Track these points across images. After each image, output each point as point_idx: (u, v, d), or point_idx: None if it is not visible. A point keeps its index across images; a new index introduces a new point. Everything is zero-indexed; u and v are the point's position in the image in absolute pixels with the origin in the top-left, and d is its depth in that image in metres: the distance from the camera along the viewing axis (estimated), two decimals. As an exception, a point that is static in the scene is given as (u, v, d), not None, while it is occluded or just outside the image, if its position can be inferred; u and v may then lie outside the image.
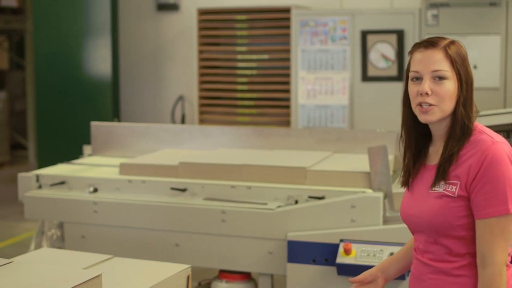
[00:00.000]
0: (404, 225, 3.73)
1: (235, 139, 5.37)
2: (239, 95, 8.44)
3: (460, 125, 2.50)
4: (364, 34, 7.54)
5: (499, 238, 2.41)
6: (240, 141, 5.36)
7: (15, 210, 8.77)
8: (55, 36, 8.95)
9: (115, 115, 8.85)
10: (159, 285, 2.86)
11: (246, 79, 8.40)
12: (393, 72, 7.50)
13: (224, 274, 4.67)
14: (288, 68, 8.06)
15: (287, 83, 8.10)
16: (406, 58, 7.39)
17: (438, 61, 2.50)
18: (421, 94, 2.49)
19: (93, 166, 5.30)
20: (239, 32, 8.41)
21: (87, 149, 5.97)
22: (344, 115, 7.68)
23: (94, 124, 5.79)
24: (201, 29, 8.51)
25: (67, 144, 8.69)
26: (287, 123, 8.09)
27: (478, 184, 2.42)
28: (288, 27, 8.01)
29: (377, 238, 3.97)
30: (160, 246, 4.53)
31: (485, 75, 7.24)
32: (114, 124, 5.96)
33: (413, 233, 2.69)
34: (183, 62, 9.14)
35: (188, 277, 3.05)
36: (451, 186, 2.48)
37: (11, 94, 13.18)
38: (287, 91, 8.10)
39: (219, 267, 4.56)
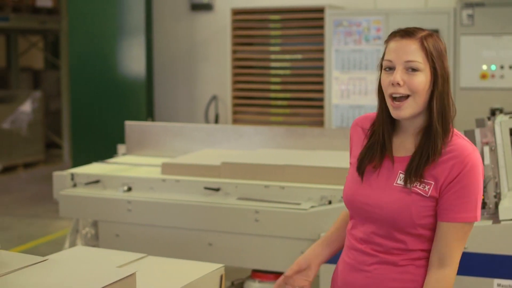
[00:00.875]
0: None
1: (268, 139, 5.37)
2: (272, 95, 8.44)
3: (440, 122, 2.41)
4: (399, 34, 7.50)
5: (460, 242, 2.42)
6: (273, 141, 5.35)
7: (50, 208, 8.85)
8: (90, 36, 9.01)
9: (149, 114, 8.88)
10: (193, 284, 2.86)
11: (280, 79, 8.39)
12: (428, 72, 7.45)
13: (257, 274, 4.67)
14: (321, 68, 8.04)
15: (321, 83, 8.08)
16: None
17: (412, 51, 2.39)
18: (392, 84, 2.40)
19: (127, 165, 5.33)
20: (272, 32, 8.40)
21: (121, 148, 6.00)
22: (377, 116, 7.63)
23: (128, 123, 5.82)
24: (235, 29, 8.51)
25: (101, 143, 8.73)
26: (320, 123, 8.07)
27: (453, 188, 2.38)
28: (321, 27, 7.99)
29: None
30: (193, 245, 4.54)
31: (521, 75, 7.18)
32: (148, 123, 5.99)
33: (357, 220, 2.57)
34: (217, 62, 9.15)
35: (221, 277, 3.05)
36: (424, 185, 2.41)
37: (46, 94, 13.28)
38: (321, 91, 8.08)
39: (252, 266, 4.56)
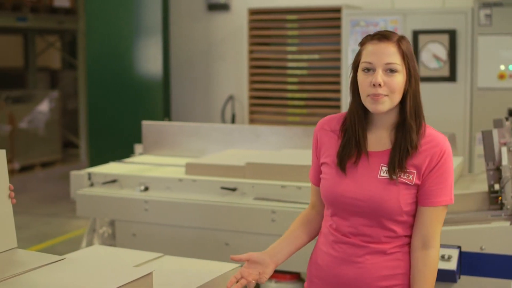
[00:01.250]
0: (453, 228, 3.71)
1: (285, 139, 5.37)
2: (289, 95, 8.43)
3: (413, 118, 2.58)
4: (416, 34, 7.48)
5: (440, 223, 2.61)
6: (290, 141, 5.35)
7: (67, 208, 8.87)
8: (107, 36, 9.04)
9: (165, 114, 8.90)
10: (209, 284, 2.86)
11: (296, 79, 8.38)
12: (445, 72, 7.42)
13: (274, 274, 4.65)
14: (338, 68, 8.03)
15: (338, 83, 8.07)
16: (459, 59, 7.35)
17: (391, 54, 2.54)
18: (373, 85, 2.53)
19: (144, 165, 5.34)
20: (289, 32, 8.40)
21: (138, 148, 6.01)
22: (394, 116, 7.61)
23: (145, 123, 5.83)
24: (251, 29, 8.51)
25: (118, 143, 8.76)
26: (337, 123, 8.04)
27: (434, 175, 2.55)
28: (338, 27, 7.98)
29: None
30: (210, 245, 4.55)
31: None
32: (165, 123, 6.00)
33: (341, 215, 2.65)
34: (234, 62, 9.15)
35: (238, 277, 3.05)
36: (407, 174, 2.55)
37: (63, 93, 13.33)
38: (338, 91, 8.07)
39: (268, 267, 4.55)
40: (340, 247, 2.66)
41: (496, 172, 3.91)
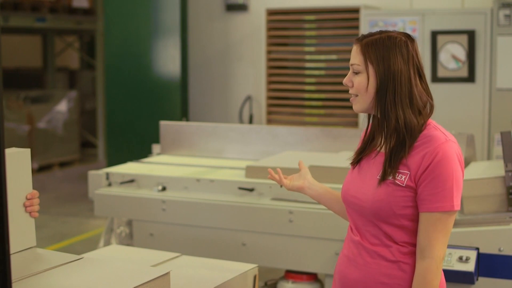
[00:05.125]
0: (471, 229, 3.70)
1: (303, 139, 5.36)
2: (307, 95, 8.42)
3: (385, 118, 2.54)
4: (434, 35, 7.45)
5: (440, 233, 2.45)
6: (308, 141, 5.34)
7: (85, 207, 8.91)
8: (125, 37, 9.06)
9: (183, 114, 8.91)
10: (226, 284, 2.86)
11: (314, 79, 8.37)
12: (464, 73, 7.39)
13: (291, 274, 4.66)
14: (356, 68, 8.01)
15: (355, 83, 8.04)
16: (478, 59, 7.31)
17: (354, 55, 2.58)
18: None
19: (162, 165, 5.35)
20: (307, 33, 8.39)
21: (156, 148, 6.03)
22: (413, 116, 7.59)
23: (163, 123, 5.84)
24: (269, 29, 8.51)
25: (136, 143, 8.79)
26: (355, 124, 8.05)
27: (427, 178, 2.45)
28: (357, 27, 7.97)
29: (446, 241, 3.91)
30: (227, 245, 4.55)
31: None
32: (183, 123, 6.01)
33: (350, 214, 2.70)
34: (252, 62, 9.16)
35: (255, 277, 3.06)
36: (400, 175, 2.50)
37: (81, 93, 13.39)
38: (355, 91, 8.04)
39: (285, 267, 4.55)
40: (349, 246, 2.68)
41: (515, 173, 3.90)
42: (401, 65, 2.53)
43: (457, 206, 2.45)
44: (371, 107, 2.58)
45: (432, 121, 2.58)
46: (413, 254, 2.52)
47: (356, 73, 2.57)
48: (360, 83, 2.55)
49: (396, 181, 2.50)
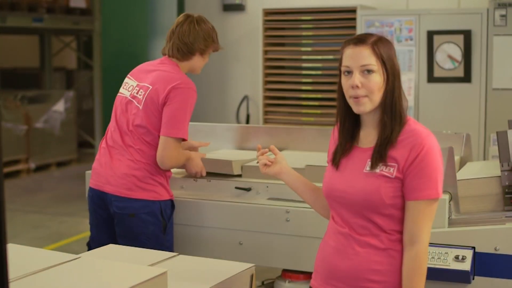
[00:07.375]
0: (467, 228, 3.71)
1: (300, 139, 5.36)
2: (303, 95, 8.44)
3: (391, 113, 2.70)
4: (431, 35, 7.47)
5: (427, 219, 2.65)
6: (304, 141, 5.34)
7: (82, 207, 8.87)
8: (122, 37, 9.07)
9: (180, 114, 8.90)
10: (223, 284, 2.87)
11: (311, 79, 8.39)
12: (460, 73, 7.40)
13: (287, 273, 4.66)
14: (353, 68, 8.02)
15: (352, 83, 8.05)
16: (474, 59, 7.33)
17: (366, 56, 2.68)
18: (352, 87, 2.68)
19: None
20: (304, 33, 8.41)
21: (152, 147, 6.01)
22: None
23: (160, 123, 5.83)
24: (266, 29, 8.52)
25: (133, 143, 8.78)
26: (351, 124, 8.05)
27: (414, 169, 2.62)
28: (353, 27, 7.98)
29: (442, 240, 3.92)
30: (224, 245, 4.55)
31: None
32: (180, 123, 5.99)
33: (335, 208, 2.83)
34: (248, 62, 9.17)
35: (252, 276, 3.06)
36: (388, 167, 2.66)
37: (79, 93, 13.38)
38: (352, 91, 8.05)
39: (282, 266, 4.56)
40: (337, 237, 2.80)
41: (511, 173, 3.91)
42: (397, 63, 2.77)
43: (441, 194, 2.65)
44: (377, 105, 2.72)
45: (410, 117, 2.79)
46: (400, 241, 2.68)
47: (368, 73, 2.68)
48: (377, 83, 2.68)
49: (385, 173, 2.66)
